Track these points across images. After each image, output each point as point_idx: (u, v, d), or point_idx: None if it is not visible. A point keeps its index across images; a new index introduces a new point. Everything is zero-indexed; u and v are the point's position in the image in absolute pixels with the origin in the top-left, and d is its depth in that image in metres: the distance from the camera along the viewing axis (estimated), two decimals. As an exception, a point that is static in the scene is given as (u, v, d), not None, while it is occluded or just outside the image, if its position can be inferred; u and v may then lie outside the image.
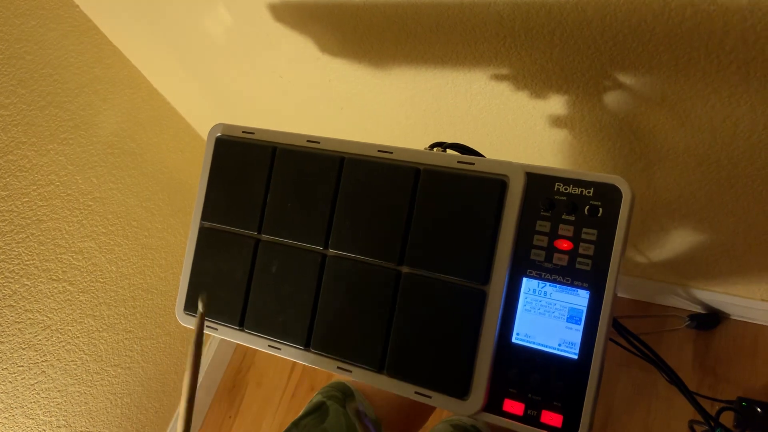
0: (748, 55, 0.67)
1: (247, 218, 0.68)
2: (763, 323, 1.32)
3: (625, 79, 0.78)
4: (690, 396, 0.95)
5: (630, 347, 0.82)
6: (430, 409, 0.91)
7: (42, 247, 1.22)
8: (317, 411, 0.76)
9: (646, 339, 0.82)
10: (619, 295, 1.46)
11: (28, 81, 1.13)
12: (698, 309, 1.38)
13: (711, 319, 1.35)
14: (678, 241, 1.15)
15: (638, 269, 1.33)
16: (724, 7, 0.63)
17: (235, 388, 1.80)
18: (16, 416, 1.23)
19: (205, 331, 0.70)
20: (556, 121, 0.91)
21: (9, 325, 1.18)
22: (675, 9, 0.65)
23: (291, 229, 0.65)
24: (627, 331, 0.79)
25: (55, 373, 1.30)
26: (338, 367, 0.62)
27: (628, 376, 1.38)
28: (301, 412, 0.77)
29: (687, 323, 1.36)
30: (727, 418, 1.20)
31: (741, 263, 1.15)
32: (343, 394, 0.80)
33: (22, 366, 1.22)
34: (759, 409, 1.18)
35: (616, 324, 0.76)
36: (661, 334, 1.39)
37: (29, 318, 1.22)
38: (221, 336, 0.69)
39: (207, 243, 0.70)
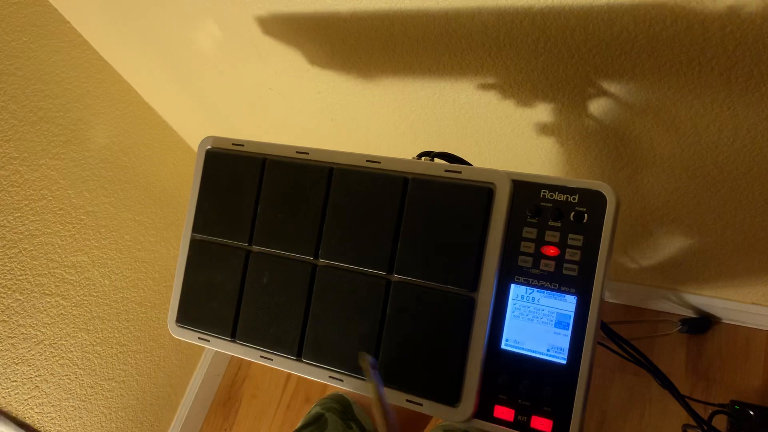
0: (729, 61, 0.69)
1: (237, 230, 0.68)
2: (755, 326, 1.33)
3: (609, 86, 0.79)
4: (682, 400, 0.96)
5: (622, 352, 0.82)
6: (426, 421, 0.91)
7: (35, 262, 1.22)
8: (316, 423, 0.76)
9: (639, 344, 0.82)
10: (610, 300, 1.47)
11: (19, 96, 1.13)
12: (690, 313, 1.38)
13: (702, 323, 1.36)
14: (668, 246, 1.16)
15: (629, 275, 1.34)
16: (703, 15, 0.64)
17: (230, 400, 1.80)
18: (9, 432, 1.22)
19: (196, 343, 0.70)
20: (543, 129, 0.92)
21: (2, 340, 1.17)
22: (655, 17, 0.66)
23: (281, 239, 0.66)
24: (618, 336, 0.79)
25: (49, 387, 1.29)
26: (330, 377, 0.62)
27: (622, 381, 1.38)
28: (299, 424, 0.77)
29: (679, 327, 1.37)
30: (720, 422, 1.20)
31: (731, 267, 1.16)
32: (342, 406, 0.80)
33: (15, 381, 1.21)
34: (752, 412, 1.18)
35: (606, 329, 0.76)
36: (653, 338, 1.40)
37: (22, 333, 1.21)
38: (214, 348, 0.69)
39: (198, 255, 0.71)
